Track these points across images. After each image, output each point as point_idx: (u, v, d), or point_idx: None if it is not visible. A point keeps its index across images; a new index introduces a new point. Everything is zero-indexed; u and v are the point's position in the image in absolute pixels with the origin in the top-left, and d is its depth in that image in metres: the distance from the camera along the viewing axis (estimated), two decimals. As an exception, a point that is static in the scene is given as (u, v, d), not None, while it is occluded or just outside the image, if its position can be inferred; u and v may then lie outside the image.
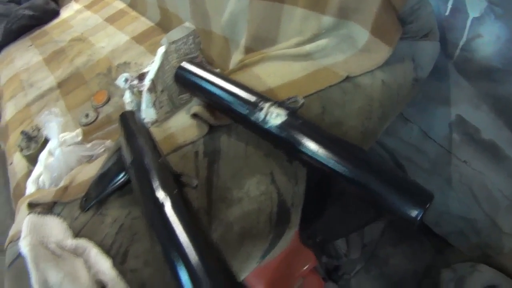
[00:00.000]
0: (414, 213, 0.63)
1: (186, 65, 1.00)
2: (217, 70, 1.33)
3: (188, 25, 1.20)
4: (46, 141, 1.47)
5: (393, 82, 1.06)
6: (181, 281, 0.54)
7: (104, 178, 0.87)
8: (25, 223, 0.83)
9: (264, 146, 0.86)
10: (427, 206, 0.63)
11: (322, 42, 1.11)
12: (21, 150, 1.51)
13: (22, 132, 1.51)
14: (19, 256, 0.82)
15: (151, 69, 1.08)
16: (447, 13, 1.18)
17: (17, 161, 1.64)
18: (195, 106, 0.95)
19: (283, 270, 1.51)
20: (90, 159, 1.30)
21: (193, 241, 0.57)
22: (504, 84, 1.16)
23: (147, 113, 1.08)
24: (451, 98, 1.36)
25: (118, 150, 0.90)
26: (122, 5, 2.64)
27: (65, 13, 2.88)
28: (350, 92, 0.98)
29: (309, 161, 0.74)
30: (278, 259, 1.46)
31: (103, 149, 1.33)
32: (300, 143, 0.74)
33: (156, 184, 0.68)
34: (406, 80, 1.11)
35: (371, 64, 1.05)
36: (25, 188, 1.40)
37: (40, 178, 1.30)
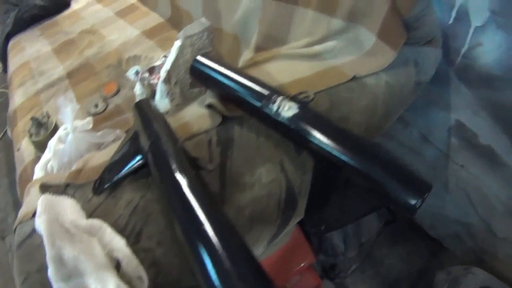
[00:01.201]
0: (413, 202, 0.70)
1: (202, 58, 1.04)
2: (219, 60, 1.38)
3: (204, 20, 1.25)
4: (55, 128, 1.51)
5: (396, 83, 1.12)
6: (200, 255, 0.59)
7: (118, 162, 0.90)
8: (40, 202, 0.87)
9: (274, 137, 0.91)
10: (425, 196, 0.70)
11: (331, 43, 1.16)
12: (31, 136, 1.54)
13: (32, 118, 1.53)
14: (29, 235, 0.86)
15: (167, 61, 1.13)
16: (450, 22, 1.22)
17: (25, 147, 1.67)
18: (209, 98, 0.99)
19: (281, 266, 1.55)
20: (99, 146, 1.33)
21: (210, 219, 0.62)
22: (504, 91, 1.20)
23: (161, 104, 1.13)
24: (451, 103, 1.40)
25: (133, 136, 0.94)
26: (132, 0, 2.68)
27: (76, 5, 2.92)
28: (356, 91, 1.04)
29: (319, 151, 0.80)
30: (276, 255, 1.50)
31: (113, 138, 1.35)
32: (310, 134, 0.80)
33: (174, 166, 0.73)
34: (409, 83, 1.17)
35: (376, 66, 1.10)
36: (32, 173, 1.43)
37: (48, 164, 1.33)
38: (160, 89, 1.14)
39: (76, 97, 1.86)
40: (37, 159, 1.52)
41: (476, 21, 1.15)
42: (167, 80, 1.12)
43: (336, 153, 0.77)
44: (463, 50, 1.23)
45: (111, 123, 1.64)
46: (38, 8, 2.78)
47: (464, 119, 1.38)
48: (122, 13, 2.56)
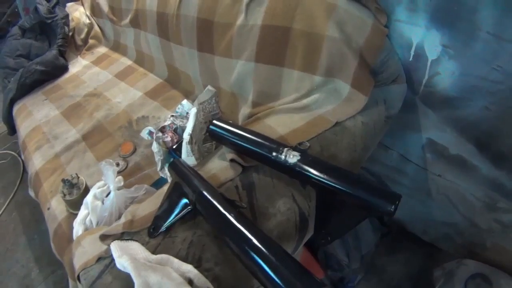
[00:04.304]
0: (389, 208, 1.04)
1: (217, 122, 1.38)
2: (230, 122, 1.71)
3: (211, 88, 1.57)
4: (86, 187, 1.81)
5: (370, 122, 1.45)
6: (256, 261, 0.92)
7: (167, 211, 1.20)
8: (114, 248, 1.14)
9: (284, 178, 1.26)
10: (397, 202, 1.03)
11: (315, 96, 1.50)
12: (64, 196, 1.79)
13: (63, 180, 1.79)
14: (98, 277, 1.13)
15: (188, 126, 1.44)
16: (410, 59, 1.50)
17: (55, 206, 1.91)
18: (229, 153, 1.33)
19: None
20: (133, 200, 1.62)
21: (256, 236, 0.96)
22: (462, 108, 1.45)
23: (188, 161, 1.45)
24: (421, 125, 1.67)
25: (173, 189, 1.26)
26: (129, 62, 2.99)
27: (74, 68, 3.17)
28: (339, 134, 1.38)
29: (318, 184, 1.15)
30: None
31: (144, 192, 1.65)
32: (311, 173, 1.15)
33: (221, 208, 1.07)
34: (380, 119, 1.49)
35: (352, 110, 1.44)
36: (68, 228, 1.72)
37: (86, 219, 1.62)
38: (185, 149, 1.44)
39: (96, 157, 2.14)
40: (70, 215, 1.81)
41: (431, 55, 1.42)
42: (190, 141, 1.43)
43: (331, 184, 1.12)
44: (424, 80, 1.51)
45: (135, 179, 1.93)
46: (39, 73, 2.99)
47: (434, 136, 1.66)
48: (121, 76, 2.84)
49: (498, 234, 1.73)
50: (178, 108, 1.94)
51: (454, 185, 1.73)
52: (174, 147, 1.77)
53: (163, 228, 1.17)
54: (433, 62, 1.44)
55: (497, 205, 1.64)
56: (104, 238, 1.25)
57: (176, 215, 1.19)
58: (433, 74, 1.47)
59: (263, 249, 0.94)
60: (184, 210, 1.19)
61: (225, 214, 1.06)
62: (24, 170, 3.35)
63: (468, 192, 1.69)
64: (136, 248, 1.15)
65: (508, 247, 1.73)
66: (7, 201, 3.18)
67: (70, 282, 1.34)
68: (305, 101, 1.51)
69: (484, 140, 1.50)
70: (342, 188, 1.12)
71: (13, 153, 3.63)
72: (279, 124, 1.44)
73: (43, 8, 3.33)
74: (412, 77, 1.55)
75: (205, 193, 1.14)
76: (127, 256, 1.08)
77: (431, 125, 1.63)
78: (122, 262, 1.07)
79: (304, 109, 1.49)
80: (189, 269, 1.05)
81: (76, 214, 1.69)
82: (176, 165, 1.34)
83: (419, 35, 1.43)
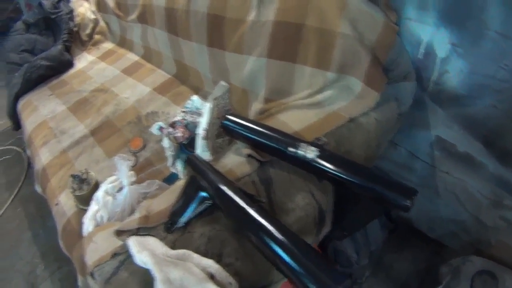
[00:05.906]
0: (406, 203, 1.05)
1: (232, 117, 1.40)
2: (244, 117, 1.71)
3: (224, 83, 1.58)
4: (97, 183, 1.82)
5: (383, 118, 1.46)
6: (277, 253, 0.94)
7: (184, 206, 1.21)
8: (132, 243, 1.15)
9: (300, 173, 1.28)
10: (414, 198, 1.04)
11: (328, 92, 1.51)
12: (74, 191, 1.80)
13: (73, 176, 1.81)
14: (113, 273, 1.14)
15: (203, 121, 1.45)
16: (420, 57, 1.52)
17: (64, 202, 1.92)
18: (245, 148, 1.35)
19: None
20: (145, 195, 1.64)
21: (279, 229, 0.98)
22: (470, 106, 1.47)
23: (203, 156, 1.46)
24: (430, 122, 1.69)
25: (189, 185, 1.27)
26: (135, 57, 3.00)
27: (80, 63, 3.19)
28: (353, 130, 1.40)
29: (336, 179, 1.16)
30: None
31: (156, 187, 1.67)
32: (329, 168, 1.16)
33: (242, 202, 1.08)
34: (392, 116, 1.51)
35: (365, 107, 1.45)
36: (78, 224, 1.72)
37: (97, 214, 1.62)
38: (201, 144, 1.46)
39: (105, 153, 2.15)
40: (79, 211, 1.81)
41: (440, 53, 1.45)
42: (205, 136, 1.44)
43: (349, 178, 1.14)
44: (433, 78, 1.53)
45: (144, 175, 1.94)
46: (45, 68, 3.01)
47: (442, 133, 1.67)
48: (128, 71, 2.85)
49: (503, 231, 1.74)
50: (188, 104, 1.94)
51: (462, 182, 1.75)
52: (185, 142, 1.78)
53: (181, 223, 1.19)
54: (442, 60, 1.46)
55: (503, 202, 1.65)
56: (119, 233, 1.27)
57: (195, 209, 1.20)
58: (442, 72, 1.49)
59: (288, 243, 0.95)
60: (204, 205, 1.20)
61: (246, 209, 1.07)
62: (29, 166, 3.35)
63: (475, 190, 1.71)
64: (154, 243, 1.16)
65: (513, 244, 1.74)
66: (12, 197, 3.18)
67: (80, 278, 1.35)
68: (318, 97, 1.52)
69: (491, 138, 1.52)
70: (360, 182, 1.13)
71: (17, 148, 3.64)
72: (293, 120, 1.46)
73: (47, 3, 3.35)
74: (421, 74, 1.57)
75: (224, 187, 1.16)
76: (147, 251, 1.09)
77: (440, 122, 1.65)
78: (141, 258, 1.08)
79: (317, 105, 1.50)
80: (210, 264, 1.07)
81: (86, 210, 1.70)
82: (192, 161, 1.36)
83: (428, 33, 1.45)
